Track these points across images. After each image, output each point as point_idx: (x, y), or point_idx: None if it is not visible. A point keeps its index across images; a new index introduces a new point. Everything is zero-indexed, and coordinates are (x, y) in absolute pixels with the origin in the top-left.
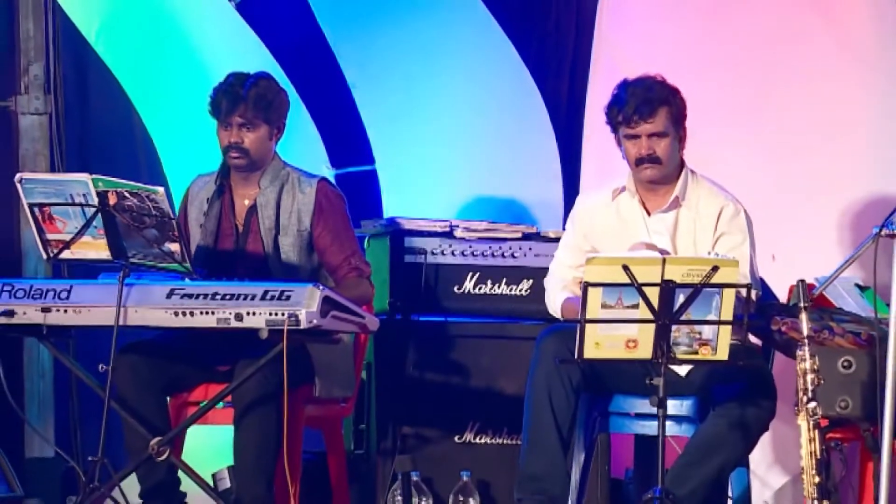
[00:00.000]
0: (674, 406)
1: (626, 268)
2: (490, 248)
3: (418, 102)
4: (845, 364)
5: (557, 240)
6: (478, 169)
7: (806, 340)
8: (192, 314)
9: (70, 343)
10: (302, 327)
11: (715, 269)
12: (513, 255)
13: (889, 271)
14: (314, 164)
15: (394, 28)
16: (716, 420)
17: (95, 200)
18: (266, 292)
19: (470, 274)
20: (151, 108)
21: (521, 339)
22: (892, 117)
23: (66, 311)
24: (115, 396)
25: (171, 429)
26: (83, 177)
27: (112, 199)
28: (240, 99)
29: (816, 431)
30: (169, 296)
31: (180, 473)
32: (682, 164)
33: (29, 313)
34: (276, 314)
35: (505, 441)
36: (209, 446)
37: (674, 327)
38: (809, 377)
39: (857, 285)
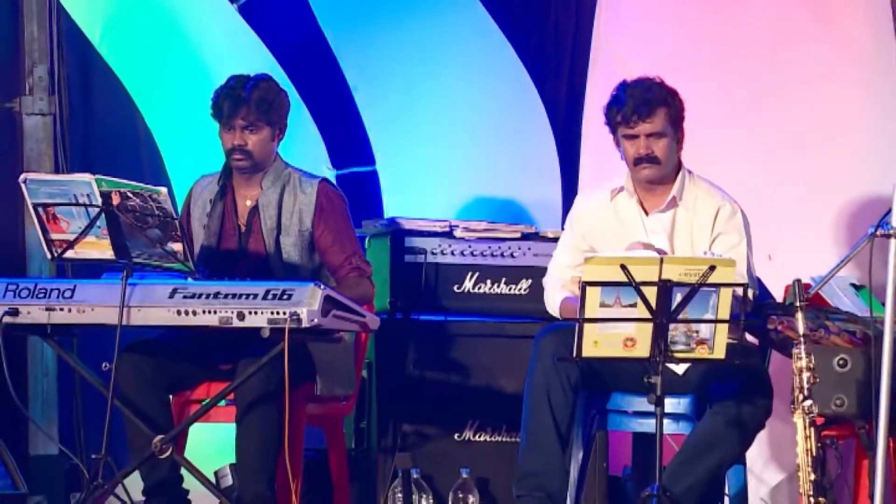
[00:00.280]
0: (671, 404)
1: (624, 267)
2: (489, 247)
3: (418, 103)
4: (841, 362)
5: (556, 240)
6: (477, 169)
7: (802, 339)
8: (194, 313)
9: (74, 342)
10: (303, 326)
11: (712, 268)
12: (512, 255)
13: (884, 271)
14: (315, 165)
15: (394, 30)
16: (713, 418)
17: (99, 200)
18: (268, 292)
19: (469, 273)
20: (154, 109)
21: (520, 337)
22: (888, 118)
23: (69, 310)
24: (118, 395)
25: (174, 427)
26: (87, 177)
27: (115, 200)
28: (242, 102)
29: (812, 429)
30: (171, 295)
31: (183, 471)
32: (679, 165)
33: (33, 312)
34: (278, 313)
35: (504, 439)
36: (211, 444)
37: (671, 326)
38: (805, 375)
39: (853, 284)
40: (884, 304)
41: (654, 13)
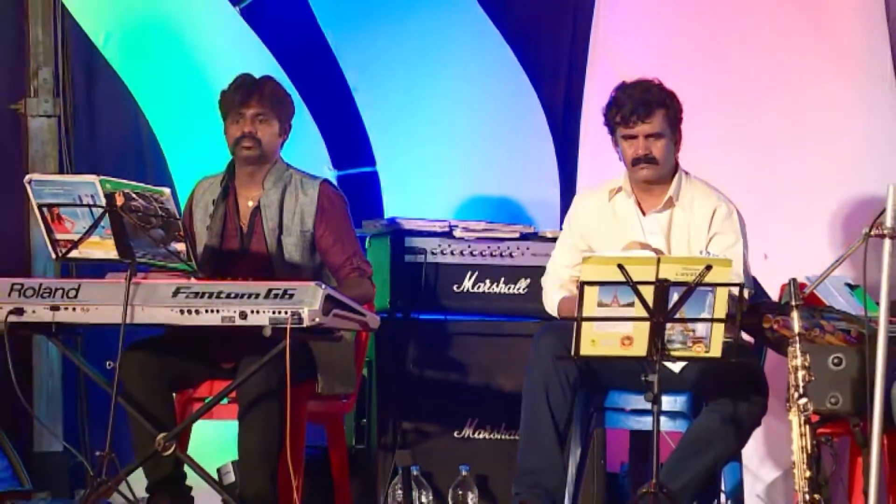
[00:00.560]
0: (668, 402)
1: (621, 267)
2: (488, 247)
3: (418, 105)
4: (835, 361)
5: (554, 239)
6: (476, 170)
7: (797, 338)
8: (197, 312)
9: (78, 340)
10: (305, 325)
11: (708, 268)
12: (510, 255)
13: (878, 270)
14: (316, 166)
15: (394, 32)
16: (709, 416)
17: (103, 201)
18: (270, 291)
19: (469, 273)
20: (158, 111)
21: (519, 336)
22: (882, 120)
23: (74, 309)
24: (122, 392)
25: (177, 424)
26: (91, 178)
27: (119, 200)
28: (254, 91)
29: (807, 427)
30: (175, 294)
31: (186, 468)
32: (676, 166)
33: (38, 311)
34: (280, 312)
35: (503, 436)
36: (214, 441)
37: (668, 325)
38: (800, 374)
39: (848, 284)
40: (878, 304)
41: (650, 18)
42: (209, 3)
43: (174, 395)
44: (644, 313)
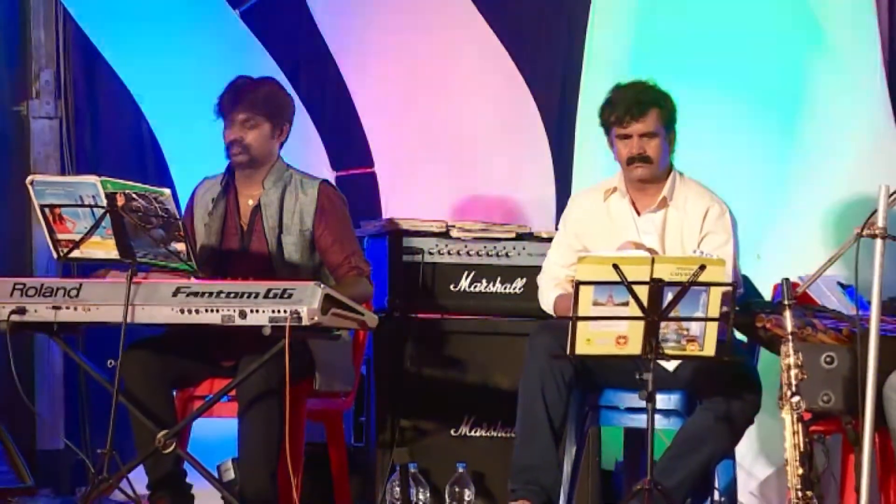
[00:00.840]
0: (662, 400)
1: (616, 267)
2: (485, 247)
3: (416, 107)
4: (828, 359)
5: (550, 239)
6: (473, 171)
7: (790, 337)
8: (197, 312)
9: (79, 339)
10: (304, 324)
11: (702, 267)
12: (507, 255)
13: (870, 269)
14: (316, 167)
15: (393, 36)
16: (703, 414)
17: (104, 201)
18: (269, 290)
19: (465, 273)
20: (158, 113)
21: (515, 335)
22: (873, 122)
23: (75, 308)
24: (123, 391)
25: (178, 422)
26: (92, 179)
27: (120, 201)
28: (240, 97)
29: (800, 424)
30: (175, 294)
31: (186, 465)
32: (670, 166)
33: (40, 311)
34: (279, 311)
35: (499, 434)
36: (214, 439)
37: (662, 324)
38: (793, 372)
39: (840, 283)
40: (869, 303)
41: (645, 23)
42: (209, 7)
43: (175, 393)
44: (639, 312)
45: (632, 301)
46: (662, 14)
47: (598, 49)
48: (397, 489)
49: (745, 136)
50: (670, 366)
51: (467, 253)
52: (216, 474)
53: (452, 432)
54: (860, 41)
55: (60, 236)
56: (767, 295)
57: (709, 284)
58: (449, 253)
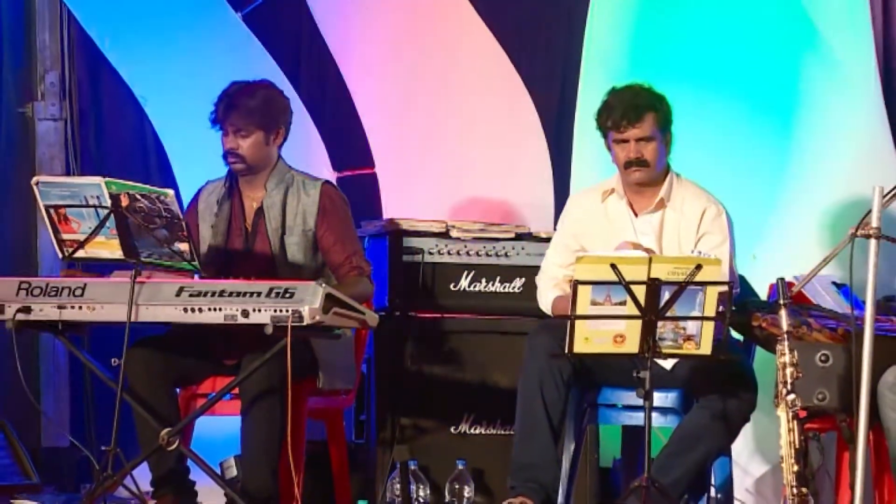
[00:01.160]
0: (659, 398)
1: (614, 266)
2: (484, 247)
3: (417, 109)
4: (823, 358)
5: (548, 240)
6: (473, 172)
7: (785, 335)
8: (200, 311)
9: (84, 338)
10: (305, 323)
11: (699, 267)
12: (506, 255)
13: (864, 269)
14: (317, 168)
15: (394, 38)
16: (699, 412)
17: (108, 202)
18: (271, 290)
19: (465, 272)
20: (162, 114)
21: (514, 334)
22: (868, 123)
23: (80, 307)
24: (127, 389)
25: (181, 420)
26: (97, 180)
27: (124, 201)
28: (232, 108)
29: (795, 422)
30: (178, 293)
31: (189, 462)
32: (667, 167)
33: (45, 310)
34: (281, 311)
35: (499, 431)
36: (217, 436)
37: (659, 323)
38: (788, 370)
39: (835, 283)
40: (864, 302)
41: (643, 27)
42: (212, 10)
43: (178, 391)
44: (636, 311)
45: (629, 300)
46: (660, 16)
47: (597, 50)
48: (398, 486)
49: (741, 137)
50: (667, 364)
51: (467, 253)
52: (219, 471)
53: (452, 430)
54: (855, 44)
55: (65, 236)
56: (763, 294)
57: (705, 284)
58: (449, 253)
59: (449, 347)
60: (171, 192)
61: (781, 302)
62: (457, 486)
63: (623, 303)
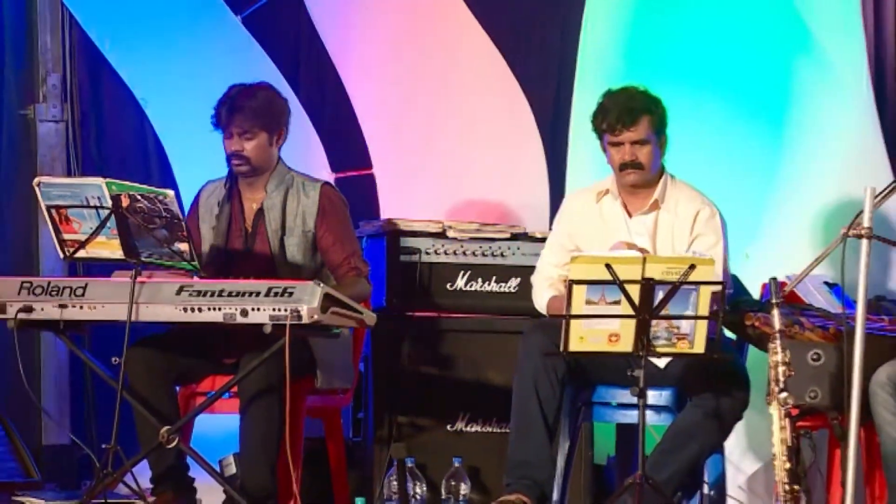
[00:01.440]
0: (653, 396)
1: (608, 266)
2: (480, 247)
3: (415, 111)
4: (814, 357)
5: (544, 240)
6: (469, 173)
7: (777, 334)
8: (199, 310)
9: (85, 337)
10: (303, 322)
11: (692, 267)
12: (502, 255)
13: (856, 269)
14: (316, 169)
15: (392, 42)
16: (692, 410)
17: (109, 203)
18: (270, 289)
19: (461, 272)
20: (162, 116)
21: (510, 333)
22: (859, 124)
23: (81, 307)
24: (127, 387)
25: (180, 418)
26: (98, 180)
27: (125, 202)
28: (236, 110)
29: (787, 420)
30: (178, 293)
31: (189, 459)
32: (662, 169)
33: (46, 309)
34: (280, 310)
35: (494, 429)
36: (216, 434)
37: (653, 322)
38: (781, 369)
39: (826, 283)
40: (855, 302)
41: (637, 30)
42: (212, 13)
43: (177, 389)
44: (630, 311)
45: (624, 300)
46: (654, 18)
47: (592, 52)
48: (395, 483)
49: (734, 138)
50: (661, 363)
51: (463, 253)
52: (218, 469)
53: (448, 428)
54: (847, 46)
55: (66, 237)
56: (756, 294)
57: (699, 283)
58: (445, 253)
59: (445, 346)
60: (171, 192)
61: (774, 301)
62: (453, 484)
63: (617, 302)
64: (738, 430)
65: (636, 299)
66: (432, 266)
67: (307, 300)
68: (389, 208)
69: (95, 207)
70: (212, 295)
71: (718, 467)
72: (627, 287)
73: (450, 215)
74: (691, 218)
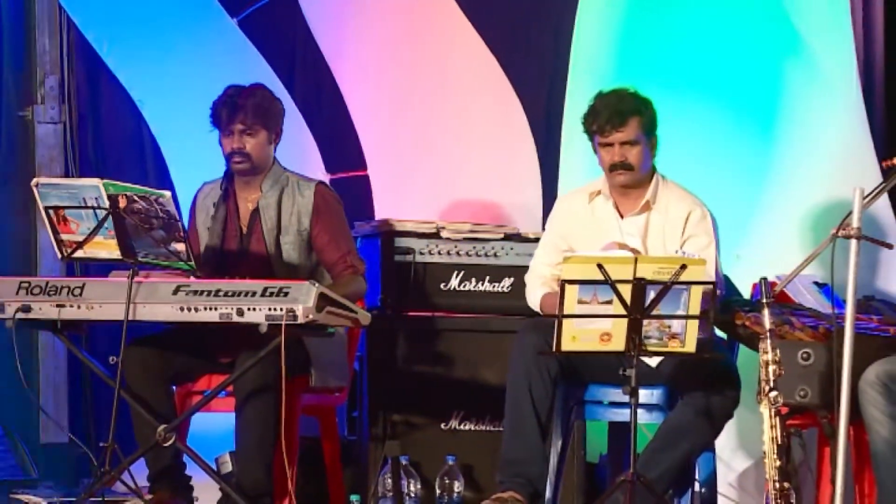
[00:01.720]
0: (645, 395)
1: (600, 266)
2: (474, 247)
3: (409, 112)
4: (804, 356)
5: (537, 240)
6: (463, 174)
7: (768, 334)
8: (196, 310)
9: (82, 337)
10: (299, 322)
11: (683, 267)
12: (495, 255)
13: (845, 269)
14: (311, 170)
15: (387, 45)
16: (684, 408)
17: (106, 203)
18: (266, 289)
19: (455, 272)
20: (159, 117)
21: (503, 332)
22: (849, 126)
23: (79, 306)
24: (124, 386)
25: (177, 416)
26: (95, 181)
27: (122, 202)
28: (238, 108)
29: (777, 418)
30: (175, 292)
31: (186, 458)
32: (653, 170)
33: (44, 309)
34: (275, 309)
35: (487, 428)
36: (213, 433)
37: (645, 322)
38: (771, 368)
39: (816, 283)
40: (845, 301)
41: (628, 32)
42: (208, 15)
43: (174, 388)
44: (622, 310)
45: (616, 299)
46: (646, 21)
47: (584, 54)
48: (389, 481)
49: (724, 139)
50: (653, 362)
51: (457, 253)
52: (214, 467)
53: (442, 426)
54: (836, 47)
55: (64, 237)
56: (746, 293)
57: (690, 283)
58: (439, 253)
59: (439, 345)
60: (167, 193)
61: (764, 301)
62: (447, 481)
63: (609, 302)
64: (729, 428)
65: (628, 299)
66: (426, 266)
67: (303, 300)
68: (384, 209)
69: (93, 208)
70: (208, 294)
71: (709, 465)
72: (619, 287)
73: (444, 216)
74: (682, 219)
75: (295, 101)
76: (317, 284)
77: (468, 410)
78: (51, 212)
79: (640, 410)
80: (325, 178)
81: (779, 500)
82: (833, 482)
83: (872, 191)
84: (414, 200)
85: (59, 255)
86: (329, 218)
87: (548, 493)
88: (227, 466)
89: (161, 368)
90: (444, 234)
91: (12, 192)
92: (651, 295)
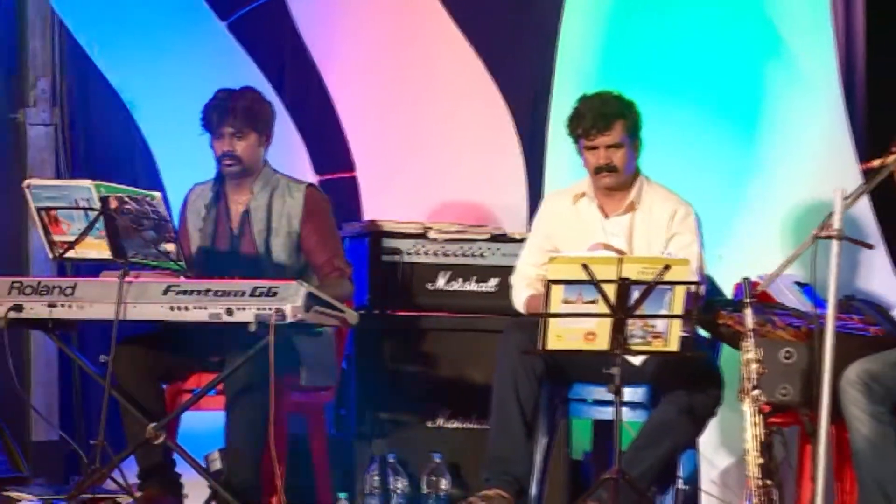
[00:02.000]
0: (629, 393)
1: (585, 266)
2: (461, 248)
3: (397, 115)
4: (786, 355)
5: (522, 241)
6: (450, 175)
7: (750, 333)
8: (186, 309)
9: (73, 336)
10: (287, 321)
11: (667, 267)
12: (482, 255)
13: (826, 270)
14: (300, 172)
15: (375, 49)
16: (667, 406)
17: (98, 204)
18: (255, 289)
19: (442, 272)
20: (149, 120)
21: (489, 332)
22: (830, 127)
23: (70, 306)
24: (115, 385)
25: (167, 414)
26: (87, 183)
27: (113, 204)
28: (228, 111)
29: (759, 416)
30: (165, 292)
31: (175, 455)
32: (637, 171)
33: (36, 308)
34: (264, 309)
35: (474, 426)
36: (202, 431)
37: (629, 321)
38: (753, 367)
39: (798, 283)
40: (825, 301)
41: (614, 36)
42: (197, 19)
43: (164, 387)
44: (606, 310)
45: (600, 299)
46: (630, 24)
47: (569, 56)
48: (376, 479)
49: (706, 140)
50: (637, 360)
51: (444, 253)
52: (204, 464)
53: (429, 424)
54: (817, 48)
55: (56, 237)
56: (729, 293)
57: (674, 283)
58: (426, 253)
59: (426, 345)
60: (158, 194)
61: (746, 301)
62: (433, 479)
63: (594, 301)
64: (712, 426)
65: (612, 299)
66: (413, 266)
67: (291, 299)
68: (372, 210)
69: (84, 209)
70: (198, 294)
71: (692, 462)
72: (604, 287)
73: (431, 217)
74: (667, 218)
75: (284, 103)
76: (305, 284)
77: (455, 408)
78: (42, 213)
79: (624, 408)
80: (314, 179)
81: (761, 497)
82: (814, 479)
83: (853, 192)
84: (401, 201)
85: (51, 256)
86: (319, 220)
87: (533, 490)
88: (217, 464)
89: (151, 367)
90: (430, 234)
91: (4, 193)
92: (635, 295)
